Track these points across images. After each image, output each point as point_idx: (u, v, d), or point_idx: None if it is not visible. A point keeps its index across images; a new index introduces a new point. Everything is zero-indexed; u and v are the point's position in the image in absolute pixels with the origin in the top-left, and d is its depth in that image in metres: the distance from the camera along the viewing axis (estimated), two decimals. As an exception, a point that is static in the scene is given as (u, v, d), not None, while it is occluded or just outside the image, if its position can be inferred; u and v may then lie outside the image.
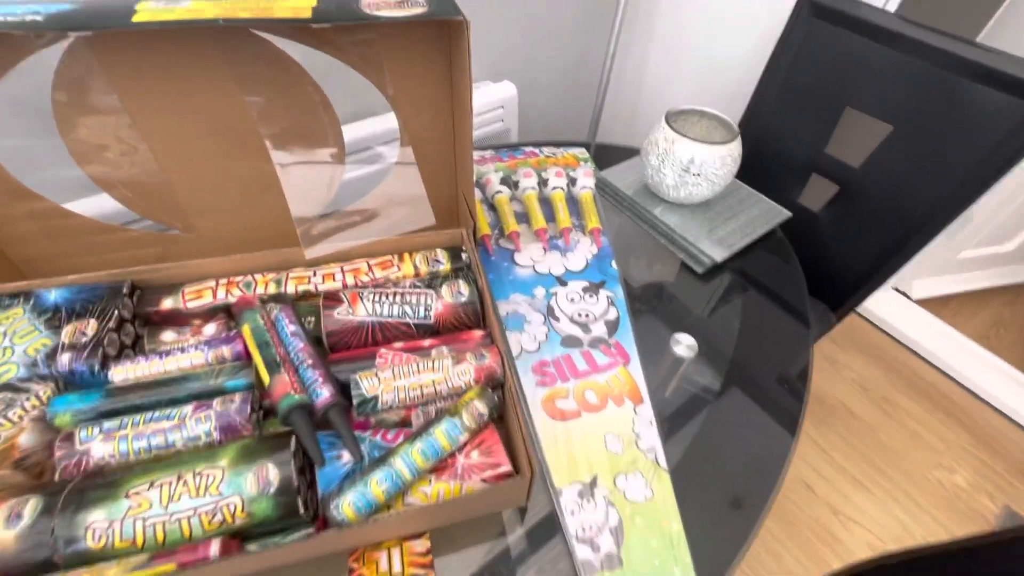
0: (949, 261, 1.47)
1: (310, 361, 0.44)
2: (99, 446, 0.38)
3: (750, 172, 0.71)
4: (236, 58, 0.47)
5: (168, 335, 0.49)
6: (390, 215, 0.57)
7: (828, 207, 0.79)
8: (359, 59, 0.49)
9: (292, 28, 0.46)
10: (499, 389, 0.46)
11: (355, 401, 0.42)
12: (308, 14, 0.40)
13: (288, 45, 0.47)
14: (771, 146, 0.81)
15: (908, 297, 1.52)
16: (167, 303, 0.50)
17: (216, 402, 0.41)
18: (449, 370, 0.44)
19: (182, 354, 0.45)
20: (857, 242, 0.76)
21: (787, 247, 0.73)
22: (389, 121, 0.55)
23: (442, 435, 0.40)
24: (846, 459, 1.22)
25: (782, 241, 0.73)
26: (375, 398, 0.43)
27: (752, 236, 0.68)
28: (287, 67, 0.48)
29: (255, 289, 0.51)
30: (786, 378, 0.58)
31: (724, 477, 0.49)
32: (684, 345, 0.58)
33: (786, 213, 0.72)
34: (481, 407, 0.42)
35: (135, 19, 0.37)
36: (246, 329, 0.46)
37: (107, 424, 0.39)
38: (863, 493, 1.17)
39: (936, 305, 1.53)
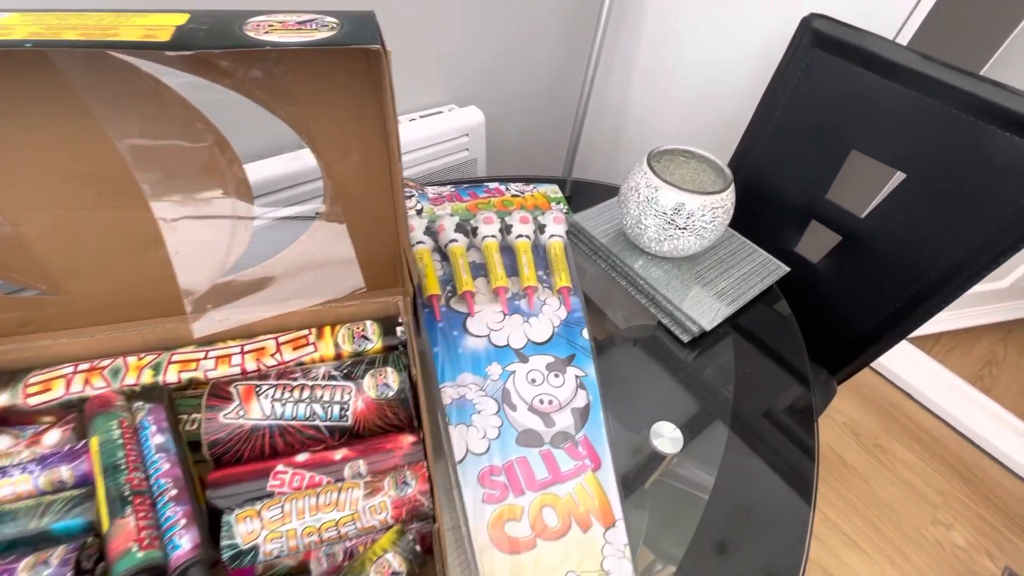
0: (943, 298, 1.40)
1: (174, 492, 0.33)
2: None
3: (741, 216, 0.62)
4: (96, 87, 0.36)
5: (1, 442, 0.38)
6: (307, 278, 0.46)
7: (828, 258, 0.70)
8: (263, 92, 0.38)
9: (160, 55, 0.35)
10: (427, 520, 0.36)
11: (225, 555, 0.32)
12: (166, 36, 0.29)
13: (172, 74, 0.37)
14: (765, 189, 0.72)
15: (900, 335, 1.45)
16: (2, 398, 0.38)
17: (22, 567, 0.30)
18: (359, 505, 0.34)
19: (2, 478, 0.34)
20: (861, 300, 0.67)
21: (783, 305, 0.64)
22: (309, 157, 0.45)
23: (339, 610, 0.30)
24: (839, 515, 1.14)
25: (777, 297, 0.65)
26: (254, 549, 0.32)
27: (746, 297, 0.59)
28: (165, 99, 0.38)
29: (123, 378, 0.40)
30: (790, 463, 0.49)
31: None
32: (667, 438, 0.48)
33: (784, 268, 0.63)
34: (396, 563, 0.32)
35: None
36: (94, 444, 0.35)
37: None
38: (857, 553, 1.09)
39: (928, 342, 1.47)
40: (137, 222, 0.43)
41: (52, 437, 0.37)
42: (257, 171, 0.64)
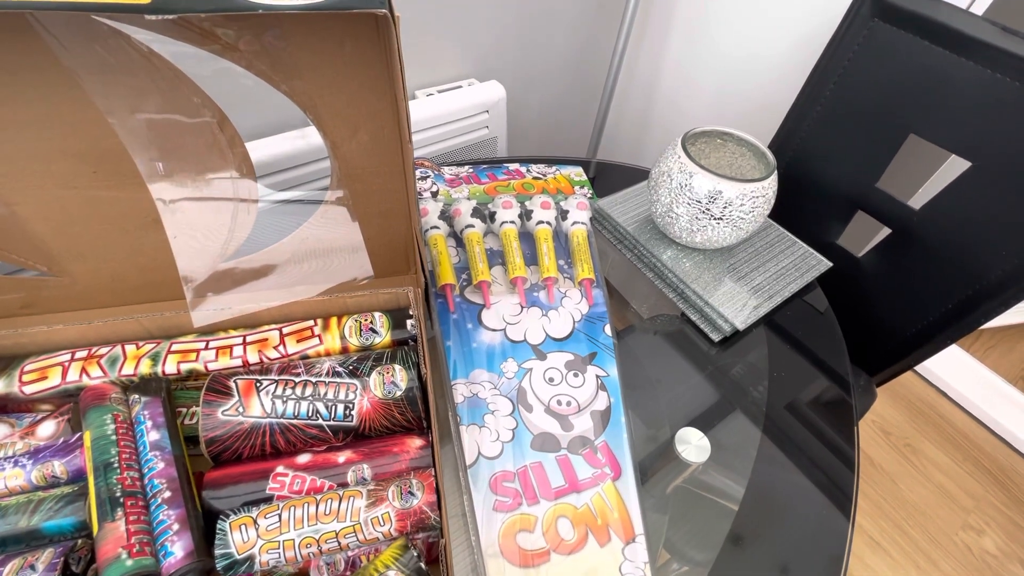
0: (987, 293, 1.32)
1: (169, 494, 0.32)
2: None
3: (780, 204, 0.56)
4: (84, 57, 0.33)
5: (-4, 431, 0.37)
6: (313, 265, 0.43)
7: (874, 252, 0.65)
8: (262, 64, 0.35)
9: (163, 23, 0.32)
10: (433, 531, 0.34)
11: (219, 565, 0.30)
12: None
13: (165, 43, 0.34)
14: (808, 175, 0.67)
15: (938, 330, 1.37)
16: (-2, 386, 0.37)
17: (7, 571, 0.28)
18: (360, 516, 0.31)
19: (-7, 473, 0.33)
20: (908, 299, 0.62)
21: (822, 301, 0.59)
22: (315, 135, 0.42)
23: (336, 630, 0.28)
24: (864, 515, 1.10)
25: (816, 292, 0.60)
26: (249, 560, 0.30)
27: (783, 294, 0.55)
28: (158, 71, 0.35)
29: (121, 367, 0.38)
30: (827, 473, 0.46)
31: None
32: (693, 446, 0.45)
33: (826, 263, 0.58)
34: (399, 581, 0.29)
35: None
36: (87, 439, 0.33)
37: None
38: (881, 556, 1.05)
39: (968, 339, 1.39)
40: (136, 202, 0.40)
41: (47, 428, 0.36)
42: (260, 150, 0.61)
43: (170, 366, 0.39)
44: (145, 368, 0.38)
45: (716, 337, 0.53)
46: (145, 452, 0.33)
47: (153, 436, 0.34)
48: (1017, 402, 1.26)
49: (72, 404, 0.37)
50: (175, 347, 0.40)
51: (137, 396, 0.36)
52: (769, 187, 0.50)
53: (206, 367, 0.39)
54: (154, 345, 0.40)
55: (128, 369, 0.38)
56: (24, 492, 0.33)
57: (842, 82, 0.61)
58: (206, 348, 0.40)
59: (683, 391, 0.50)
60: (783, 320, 0.56)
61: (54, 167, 0.38)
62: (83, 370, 0.38)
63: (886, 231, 0.63)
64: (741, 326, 0.51)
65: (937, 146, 0.55)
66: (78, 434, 0.34)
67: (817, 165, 0.66)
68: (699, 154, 0.55)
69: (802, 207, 0.66)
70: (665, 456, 0.45)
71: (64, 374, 0.37)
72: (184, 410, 0.38)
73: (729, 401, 0.50)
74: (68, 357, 0.38)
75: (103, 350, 0.39)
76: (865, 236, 0.65)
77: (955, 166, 0.55)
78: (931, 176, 0.57)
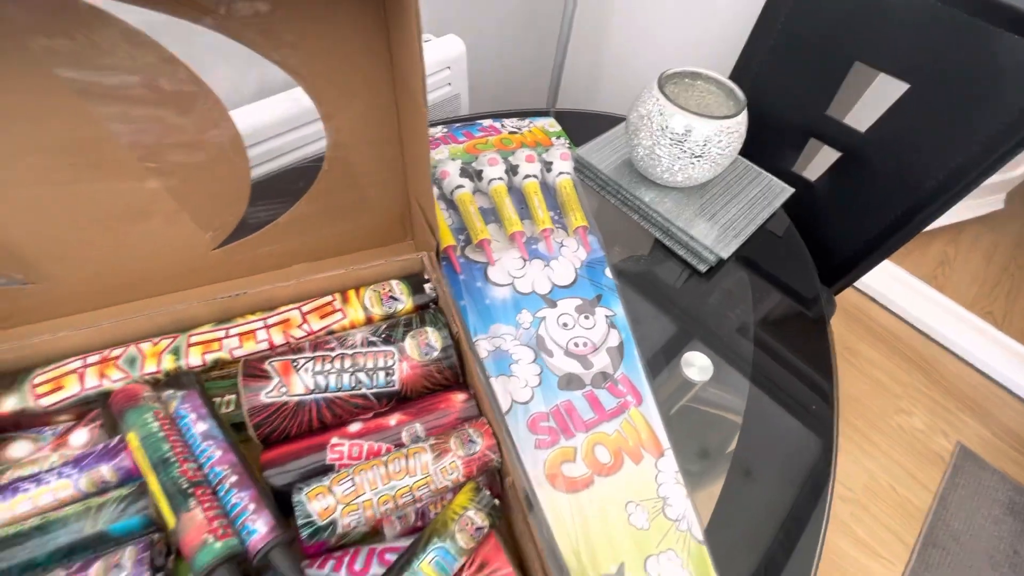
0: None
1: (235, 478, 0.32)
2: None
3: (741, 138, 0.60)
4: (55, 39, 0.30)
5: (19, 448, 0.35)
6: (318, 237, 0.43)
7: (827, 176, 0.71)
8: (252, 32, 0.33)
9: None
10: (489, 473, 0.36)
11: (303, 534, 0.31)
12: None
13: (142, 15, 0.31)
14: (764, 107, 0.70)
15: (865, 243, 1.52)
16: (10, 402, 0.35)
17: (95, 569, 0.28)
18: (430, 468, 0.33)
19: (38, 488, 0.31)
20: (858, 216, 0.69)
21: (790, 227, 0.65)
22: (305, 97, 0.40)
23: (431, 570, 0.30)
24: (816, 414, 1.24)
25: (782, 219, 0.65)
26: (331, 524, 0.31)
27: (756, 222, 0.59)
28: (139, 48, 0.32)
29: (142, 367, 0.37)
30: (811, 382, 0.52)
31: (762, 522, 0.42)
32: (697, 367, 0.49)
33: (789, 189, 0.63)
34: (478, 519, 0.32)
35: None
36: (133, 439, 0.32)
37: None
38: (832, 445, 1.19)
39: (889, 248, 1.55)
40: (117, 194, 0.38)
41: (80, 437, 0.35)
42: (246, 117, 0.56)
43: (194, 358, 0.38)
44: (168, 364, 0.37)
45: (703, 268, 0.57)
46: (197, 444, 0.33)
47: (201, 427, 0.34)
48: (932, 298, 1.44)
49: (100, 410, 0.36)
50: (194, 339, 0.39)
51: (172, 391, 0.35)
52: (742, 122, 0.54)
53: (231, 354, 0.39)
54: (171, 340, 0.38)
55: (150, 367, 0.37)
56: (77, 501, 0.32)
57: (793, 14, 0.64)
58: (227, 336, 0.39)
59: (676, 323, 0.54)
60: (756, 245, 0.61)
61: (26, 163, 0.35)
62: (101, 374, 0.36)
63: (834, 156, 0.69)
64: (726, 255, 0.55)
65: (880, 71, 0.60)
66: (118, 437, 0.34)
67: (771, 97, 0.70)
68: (673, 95, 0.57)
69: (758, 138, 0.70)
70: (672, 378, 0.49)
71: (81, 380, 0.36)
72: (218, 400, 0.38)
73: (720, 322, 0.54)
74: (80, 363, 0.37)
75: (116, 352, 0.37)
76: (818, 163, 0.70)
77: (896, 89, 0.60)
78: (876, 100, 0.62)
